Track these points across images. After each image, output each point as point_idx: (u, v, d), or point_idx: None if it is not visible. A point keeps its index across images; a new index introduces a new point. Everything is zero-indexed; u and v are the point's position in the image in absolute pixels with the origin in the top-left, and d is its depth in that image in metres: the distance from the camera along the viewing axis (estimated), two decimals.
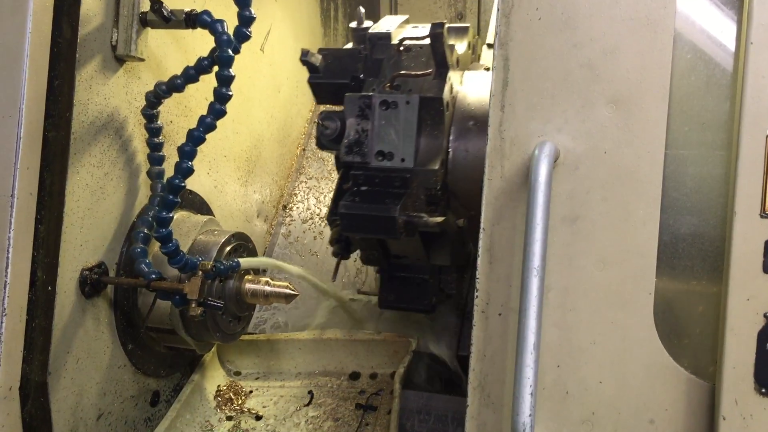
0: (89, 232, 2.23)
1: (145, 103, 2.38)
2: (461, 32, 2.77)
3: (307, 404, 2.73)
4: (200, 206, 2.79)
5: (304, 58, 2.60)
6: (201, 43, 2.67)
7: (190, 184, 2.45)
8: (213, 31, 2.21)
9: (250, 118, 3.27)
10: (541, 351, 1.67)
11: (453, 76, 2.49)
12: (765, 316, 1.65)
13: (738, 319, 1.66)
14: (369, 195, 2.33)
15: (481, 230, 1.83)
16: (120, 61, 2.31)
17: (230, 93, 2.21)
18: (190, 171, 2.22)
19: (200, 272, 2.28)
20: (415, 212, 2.30)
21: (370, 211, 2.27)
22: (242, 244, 2.62)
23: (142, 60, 2.36)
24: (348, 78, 2.57)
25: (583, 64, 1.78)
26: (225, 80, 2.19)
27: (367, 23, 2.71)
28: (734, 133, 1.71)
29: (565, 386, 1.77)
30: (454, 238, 2.68)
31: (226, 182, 3.07)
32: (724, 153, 1.77)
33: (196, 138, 2.21)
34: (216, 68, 2.21)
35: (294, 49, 3.23)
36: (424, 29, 2.59)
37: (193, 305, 2.25)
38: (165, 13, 2.27)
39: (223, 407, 2.74)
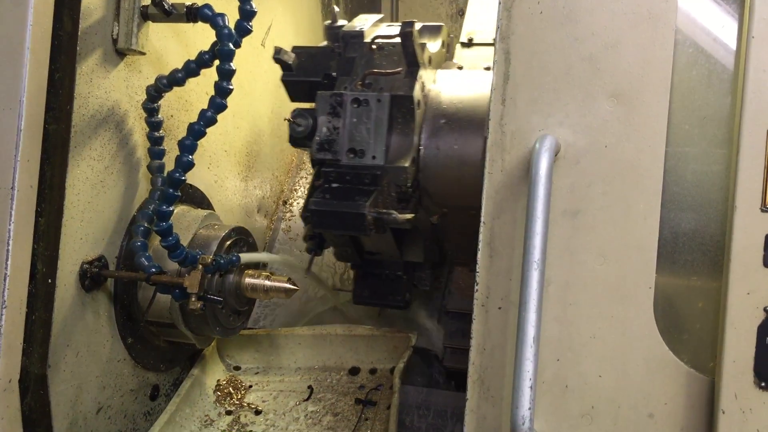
0: (89, 226, 2.22)
1: (145, 96, 2.38)
2: (435, 31, 2.78)
3: (307, 399, 2.73)
4: (200, 201, 2.79)
5: (277, 56, 2.61)
6: (202, 37, 2.68)
7: (191, 178, 2.45)
8: (214, 25, 2.21)
9: (251, 113, 3.27)
10: (540, 345, 1.67)
11: (424, 74, 2.51)
12: (765, 310, 1.65)
13: (738, 313, 1.66)
14: (339, 192, 2.35)
15: (481, 224, 1.83)
16: (121, 54, 2.31)
17: (231, 87, 2.21)
18: (190, 165, 2.23)
19: (200, 266, 2.28)
20: (386, 209, 2.31)
21: (339, 207, 2.28)
22: (242, 238, 2.62)
23: (143, 53, 2.36)
24: (321, 76, 2.58)
25: (584, 58, 1.78)
26: (226, 74, 2.19)
27: (341, 22, 2.72)
28: (735, 128, 1.71)
29: (565, 380, 1.77)
30: (427, 235, 2.70)
31: (226, 177, 3.07)
32: (724, 147, 1.77)
33: (196, 132, 2.21)
34: (217, 62, 2.21)
35: (295, 43, 3.23)
36: (397, 28, 2.59)
37: (193, 299, 2.25)
38: (166, 6, 2.27)
39: (223, 402, 2.74)
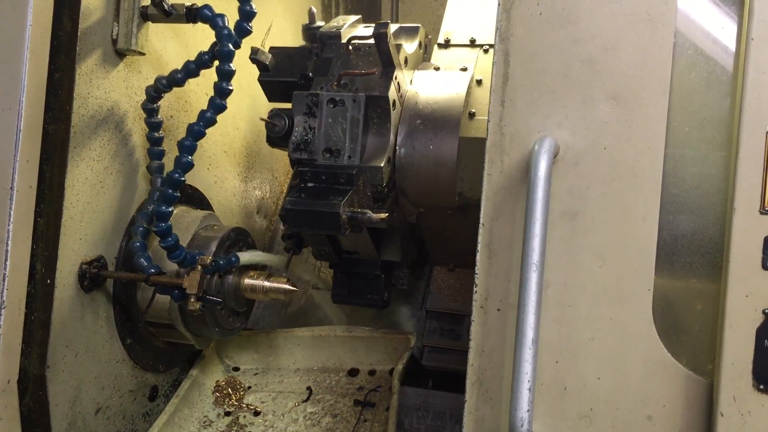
0: (88, 226, 2.22)
1: (145, 97, 2.38)
2: (411, 32, 2.79)
3: (306, 400, 2.73)
4: (200, 201, 2.79)
5: (254, 56, 2.62)
6: (202, 37, 2.68)
7: (190, 179, 2.45)
8: (214, 26, 2.21)
9: (251, 114, 3.27)
10: (539, 346, 1.68)
11: (400, 75, 2.51)
12: (764, 312, 1.65)
13: (737, 315, 1.66)
14: (314, 191, 2.35)
15: (480, 225, 1.83)
16: (120, 54, 2.31)
17: (230, 88, 2.21)
18: (189, 165, 2.23)
19: (199, 267, 2.28)
20: (361, 208, 2.31)
21: (314, 207, 2.29)
22: (242, 239, 2.63)
23: (143, 54, 2.36)
24: (297, 76, 2.58)
25: (583, 60, 1.78)
26: (225, 75, 2.19)
27: (319, 23, 2.72)
28: (734, 130, 1.71)
29: (564, 382, 1.76)
30: (405, 234, 2.71)
31: (225, 177, 3.07)
32: (724, 150, 1.77)
33: (196, 132, 2.21)
34: (216, 63, 2.21)
35: (295, 45, 3.23)
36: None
37: (192, 300, 2.25)
38: (166, 7, 2.27)
39: (222, 402, 2.74)
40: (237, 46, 2.22)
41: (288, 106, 2.49)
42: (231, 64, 2.19)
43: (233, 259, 2.43)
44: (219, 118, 2.24)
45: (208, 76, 2.29)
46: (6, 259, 1.91)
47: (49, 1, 2.00)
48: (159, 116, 2.43)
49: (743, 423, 1.64)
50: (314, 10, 2.77)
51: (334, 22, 2.71)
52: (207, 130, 2.24)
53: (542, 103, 1.80)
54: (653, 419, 1.72)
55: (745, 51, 1.68)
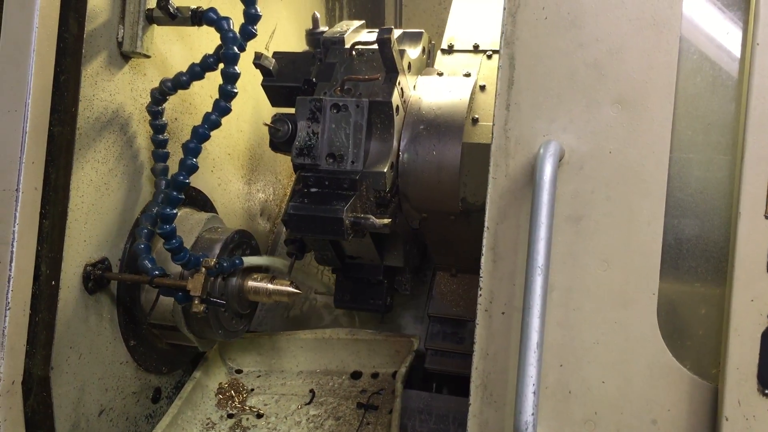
0: (93, 228, 2.23)
1: (150, 99, 2.39)
2: (415, 37, 2.79)
3: (309, 403, 2.73)
4: (204, 203, 2.80)
5: (257, 61, 2.62)
6: (207, 40, 2.69)
7: (194, 181, 2.45)
8: (219, 29, 2.21)
9: (255, 116, 3.28)
10: (544, 350, 1.67)
11: (404, 80, 2.52)
12: None
13: (742, 320, 1.66)
14: (318, 196, 2.35)
15: (485, 229, 1.83)
16: (126, 57, 2.32)
17: (235, 90, 2.21)
18: (194, 168, 2.23)
19: (203, 269, 2.28)
20: (364, 214, 2.31)
21: (317, 212, 2.29)
22: (245, 242, 2.63)
23: (148, 56, 2.36)
24: (301, 81, 2.59)
25: (588, 64, 1.79)
26: (230, 77, 2.20)
27: (322, 28, 2.73)
28: (739, 134, 1.71)
29: (568, 386, 1.76)
30: (408, 239, 2.71)
31: (229, 180, 3.07)
32: (729, 154, 1.77)
33: (200, 135, 2.21)
34: (221, 65, 2.22)
35: (299, 48, 3.23)
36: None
37: (196, 302, 2.25)
38: (171, 10, 2.28)
39: (225, 405, 2.74)
40: (242, 49, 2.22)
41: (291, 111, 2.50)
42: (236, 67, 2.19)
43: (237, 261, 2.43)
44: (223, 120, 2.24)
45: (213, 79, 2.29)
46: (11, 261, 1.91)
47: (55, 3, 2.01)
48: (164, 118, 2.43)
49: (748, 427, 1.64)
50: (318, 15, 2.77)
51: (338, 28, 2.72)
52: (211, 133, 2.24)
53: (547, 107, 1.81)
54: (658, 423, 1.72)
55: (751, 56, 1.69)
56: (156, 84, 2.37)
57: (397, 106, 2.44)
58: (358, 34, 2.72)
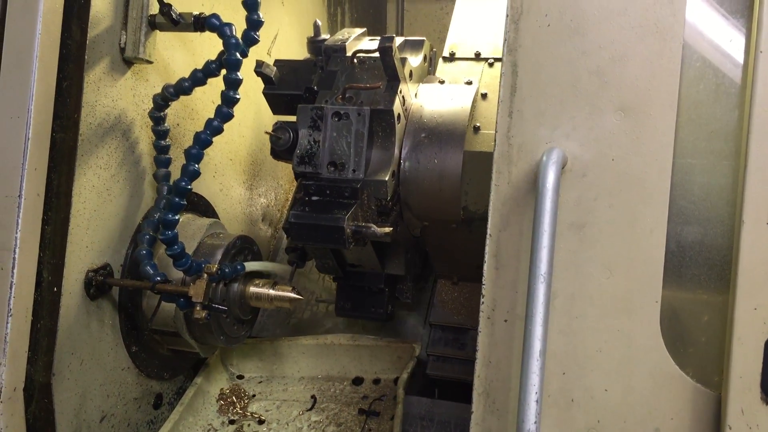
0: (95, 234, 2.23)
1: (152, 105, 2.39)
2: (416, 45, 2.79)
3: (310, 409, 2.72)
4: (205, 209, 2.80)
5: (258, 69, 2.62)
6: (209, 46, 2.69)
7: (196, 186, 2.45)
8: (221, 35, 2.22)
9: (257, 122, 3.28)
10: (546, 358, 1.67)
11: (405, 88, 2.52)
12: None
13: (745, 328, 1.65)
14: (319, 205, 2.35)
15: (487, 236, 1.83)
16: (128, 63, 2.32)
17: (237, 96, 2.22)
18: (196, 174, 2.23)
19: (205, 275, 2.28)
20: (365, 222, 2.31)
21: (318, 220, 2.29)
22: (247, 247, 2.63)
23: (150, 62, 2.37)
24: (302, 89, 2.59)
25: (591, 71, 1.78)
26: (233, 83, 2.20)
27: (324, 36, 2.73)
28: (742, 142, 1.70)
29: (571, 394, 1.76)
30: (409, 248, 2.71)
31: (231, 185, 3.08)
32: (732, 161, 1.77)
33: (202, 141, 2.22)
34: (224, 71, 2.22)
35: (301, 54, 3.25)
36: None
37: (198, 308, 2.25)
38: (174, 16, 2.28)
39: (226, 411, 2.73)
40: (244, 55, 2.23)
41: (292, 119, 2.50)
42: (238, 73, 2.19)
43: (239, 267, 2.43)
44: (225, 126, 2.24)
45: (215, 84, 2.30)
46: (13, 267, 1.91)
47: (58, 9, 2.01)
48: (166, 124, 2.43)
49: None
50: (319, 23, 2.77)
51: (339, 35, 2.72)
52: (213, 139, 2.24)
53: (550, 114, 1.80)
54: None
55: (754, 63, 1.68)
56: (158, 90, 2.37)
57: (399, 114, 2.44)
58: (359, 42, 2.72)
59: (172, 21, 2.29)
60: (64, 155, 2.06)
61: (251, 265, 2.51)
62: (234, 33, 2.21)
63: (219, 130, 2.24)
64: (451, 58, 2.97)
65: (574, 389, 1.76)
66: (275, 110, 2.74)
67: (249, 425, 2.66)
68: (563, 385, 1.77)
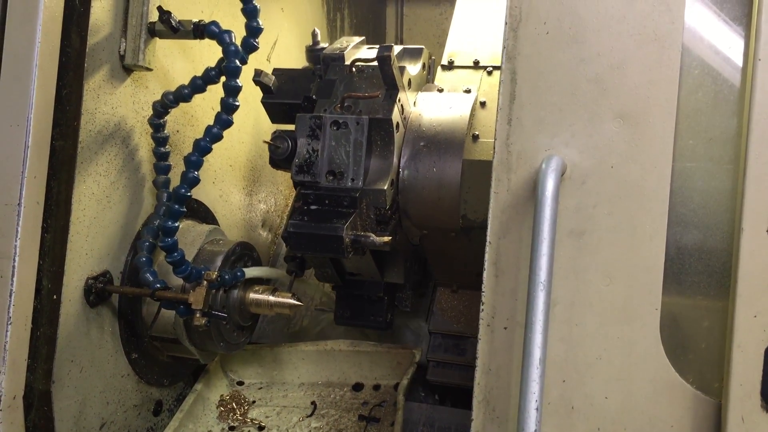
0: (95, 241, 2.23)
1: (152, 112, 2.39)
2: (415, 54, 2.79)
3: (310, 415, 2.72)
4: (205, 215, 2.80)
5: (257, 78, 2.62)
6: (208, 53, 2.69)
7: (196, 193, 2.46)
8: (221, 42, 2.22)
9: (256, 128, 3.28)
10: (546, 365, 1.67)
11: (404, 97, 2.52)
12: None
13: (745, 335, 1.65)
14: (318, 214, 2.35)
15: (487, 243, 1.83)
16: (128, 70, 2.32)
17: (237, 103, 2.22)
18: (195, 181, 2.23)
19: (205, 282, 2.28)
20: (364, 231, 2.31)
21: (317, 230, 2.29)
22: (247, 253, 2.63)
23: (150, 70, 2.37)
24: (300, 98, 2.59)
25: (590, 79, 1.79)
26: (232, 90, 2.20)
27: (323, 44, 2.73)
28: (741, 149, 1.71)
29: (571, 401, 1.76)
30: (408, 256, 2.71)
31: (231, 191, 3.08)
32: (731, 168, 1.77)
33: (202, 148, 2.22)
34: (223, 79, 2.22)
35: (300, 60, 3.25)
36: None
37: (198, 315, 2.25)
38: (173, 23, 2.29)
39: (226, 417, 2.73)
40: (244, 62, 2.23)
41: (291, 127, 2.50)
42: (238, 80, 2.19)
43: (239, 273, 2.43)
44: (225, 132, 2.25)
45: (215, 91, 2.30)
46: (13, 275, 1.91)
47: (57, 18, 2.02)
48: (165, 131, 2.44)
49: None
50: (318, 31, 2.78)
51: (338, 44, 2.72)
52: (213, 145, 2.24)
53: (549, 122, 1.80)
54: None
55: (753, 71, 1.69)
56: (158, 97, 2.38)
57: (398, 123, 2.44)
58: (358, 50, 2.72)
59: (171, 28, 2.29)
60: (64, 163, 2.06)
61: (251, 272, 2.50)
62: (233, 40, 2.22)
63: (218, 137, 2.24)
64: (450, 66, 2.97)
65: (574, 397, 1.76)
66: (274, 119, 2.74)
67: (249, 431, 2.66)
68: (563, 393, 1.77)
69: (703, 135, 1.79)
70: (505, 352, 1.81)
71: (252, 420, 2.72)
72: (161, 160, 2.46)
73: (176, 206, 2.24)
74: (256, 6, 2.24)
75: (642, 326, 1.74)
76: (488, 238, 1.83)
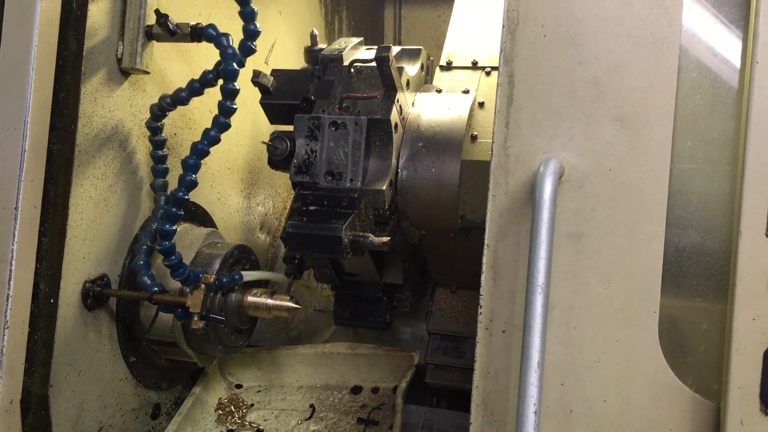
0: (92, 245, 2.22)
1: (149, 115, 2.39)
2: (413, 54, 2.79)
3: (309, 418, 2.72)
4: (203, 218, 2.79)
5: (255, 79, 2.62)
6: (206, 56, 2.69)
7: (194, 196, 2.45)
8: (218, 45, 2.22)
9: (254, 131, 3.28)
10: (545, 369, 1.66)
11: (402, 98, 2.52)
12: None
13: (744, 338, 1.65)
14: (316, 214, 2.35)
15: (485, 247, 1.83)
16: (125, 73, 2.32)
17: (235, 106, 2.21)
18: (193, 184, 2.23)
19: (203, 285, 2.28)
20: (363, 232, 2.31)
21: (316, 230, 2.29)
22: (245, 256, 2.62)
23: (147, 73, 2.37)
24: (299, 99, 2.59)
25: (588, 82, 1.78)
26: (230, 94, 2.20)
27: (321, 45, 2.73)
28: (740, 152, 1.70)
29: (569, 405, 1.76)
30: (407, 256, 2.71)
31: (229, 194, 3.07)
32: (729, 171, 1.77)
33: (200, 151, 2.21)
34: (221, 82, 2.22)
35: (298, 63, 3.24)
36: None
37: (196, 318, 2.25)
38: (171, 26, 2.28)
39: (224, 420, 2.73)
40: (241, 65, 2.23)
41: (290, 128, 2.50)
42: (235, 83, 2.19)
43: (237, 276, 2.43)
44: (223, 135, 2.24)
45: (213, 94, 2.30)
46: (10, 279, 1.91)
47: (54, 20, 2.01)
48: (163, 134, 2.43)
49: None
50: (316, 32, 2.78)
51: (336, 45, 2.72)
52: (211, 148, 2.24)
53: (547, 125, 1.80)
54: None
55: (750, 74, 1.69)
56: (155, 100, 2.37)
57: (396, 123, 2.44)
58: (356, 51, 2.72)
59: (169, 31, 2.29)
60: (61, 166, 2.05)
61: (249, 275, 2.50)
62: (231, 43, 2.22)
63: (216, 141, 2.24)
64: (448, 66, 2.97)
65: (573, 400, 1.76)
66: (272, 120, 2.74)
67: None
68: (562, 396, 1.76)
69: (701, 137, 1.79)
70: (504, 356, 1.80)
71: (250, 423, 2.72)
72: (159, 163, 2.45)
73: (174, 209, 2.23)
74: (253, 9, 2.24)
75: (640, 329, 1.73)
76: (486, 241, 1.83)
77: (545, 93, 1.81)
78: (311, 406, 2.77)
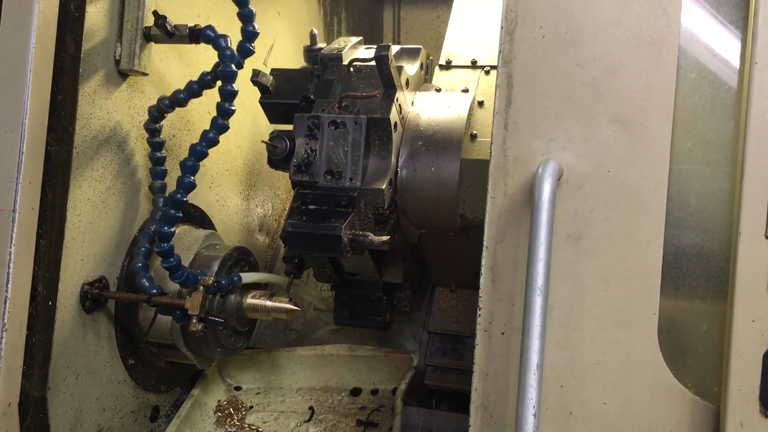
0: (90, 247, 2.22)
1: (147, 117, 2.38)
2: (413, 53, 2.79)
3: (308, 420, 2.71)
4: (202, 220, 2.79)
5: (255, 78, 2.62)
6: (204, 57, 2.69)
7: (192, 198, 2.44)
8: (216, 46, 2.21)
9: (253, 132, 3.27)
10: (544, 371, 1.66)
11: (402, 97, 2.52)
12: None
13: (743, 340, 1.65)
14: (316, 214, 2.35)
15: (484, 248, 1.82)
16: (123, 75, 2.32)
17: (233, 108, 2.21)
18: (192, 186, 2.22)
19: (201, 287, 2.27)
20: (362, 231, 2.31)
21: (315, 229, 2.28)
22: (244, 258, 2.62)
23: (146, 74, 2.36)
24: (298, 98, 2.59)
25: (586, 83, 1.78)
26: (228, 95, 2.19)
27: (320, 44, 2.73)
28: (739, 153, 1.70)
29: (569, 407, 1.75)
30: (407, 255, 2.71)
31: (227, 196, 3.07)
32: (728, 172, 1.76)
33: (198, 152, 2.21)
34: (219, 83, 2.21)
35: (297, 64, 3.24)
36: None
37: (194, 320, 2.24)
38: (169, 28, 2.28)
39: (224, 422, 2.72)
40: (240, 66, 2.22)
41: (289, 127, 2.49)
42: (234, 85, 2.19)
43: (235, 278, 2.42)
44: (221, 136, 2.24)
45: (211, 95, 2.29)
46: (8, 282, 1.90)
47: (52, 22, 2.00)
48: (161, 136, 2.43)
49: None
50: (316, 31, 2.78)
51: (336, 44, 2.72)
52: (209, 150, 2.23)
53: (546, 126, 1.80)
54: None
55: (749, 75, 1.68)
56: (154, 102, 2.37)
57: (396, 122, 2.44)
58: (355, 50, 2.72)
59: (167, 33, 2.29)
60: (59, 168, 2.05)
61: (248, 277, 2.50)
62: (229, 44, 2.21)
63: (215, 142, 2.23)
64: (448, 66, 2.97)
65: (572, 402, 1.75)
66: (272, 119, 2.74)
67: None
68: (561, 398, 1.76)
69: (701, 138, 1.79)
70: (503, 358, 1.80)
71: (250, 425, 2.71)
72: (157, 164, 2.45)
73: (172, 211, 2.23)
74: (251, 10, 2.24)
75: (640, 331, 1.73)
76: (485, 243, 1.82)
77: (544, 94, 1.80)
78: (310, 408, 2.77)
